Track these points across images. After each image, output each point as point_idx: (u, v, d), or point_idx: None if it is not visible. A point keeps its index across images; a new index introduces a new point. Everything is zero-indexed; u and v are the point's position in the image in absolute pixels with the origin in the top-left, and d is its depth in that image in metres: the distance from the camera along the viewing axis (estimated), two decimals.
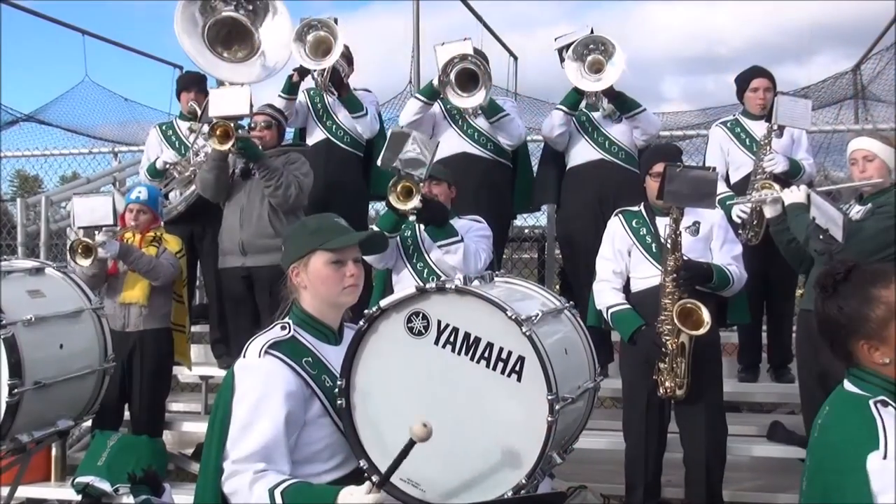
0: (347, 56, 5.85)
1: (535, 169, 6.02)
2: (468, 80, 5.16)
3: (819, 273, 2.25)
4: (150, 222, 5.21)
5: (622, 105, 5.35)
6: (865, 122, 8.13)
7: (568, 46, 5.36)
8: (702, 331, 4.02)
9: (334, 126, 5.90)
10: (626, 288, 4.41)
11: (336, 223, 2.66)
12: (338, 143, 5.88)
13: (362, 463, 2.49)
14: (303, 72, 5.73)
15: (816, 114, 8.30)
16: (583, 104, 5.52)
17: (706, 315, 4.02)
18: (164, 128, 6.20)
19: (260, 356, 2.42)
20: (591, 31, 5.32)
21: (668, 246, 4.11)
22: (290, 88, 5.81)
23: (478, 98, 5.14)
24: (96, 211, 4.76)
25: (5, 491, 3.90)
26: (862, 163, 4.16)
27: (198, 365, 6.43)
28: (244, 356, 2.46)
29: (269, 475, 2.32)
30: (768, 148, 5.01)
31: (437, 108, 5.61)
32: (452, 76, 5.14)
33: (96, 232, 4.81)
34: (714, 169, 4.35)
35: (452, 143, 5.45)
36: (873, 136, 4.41)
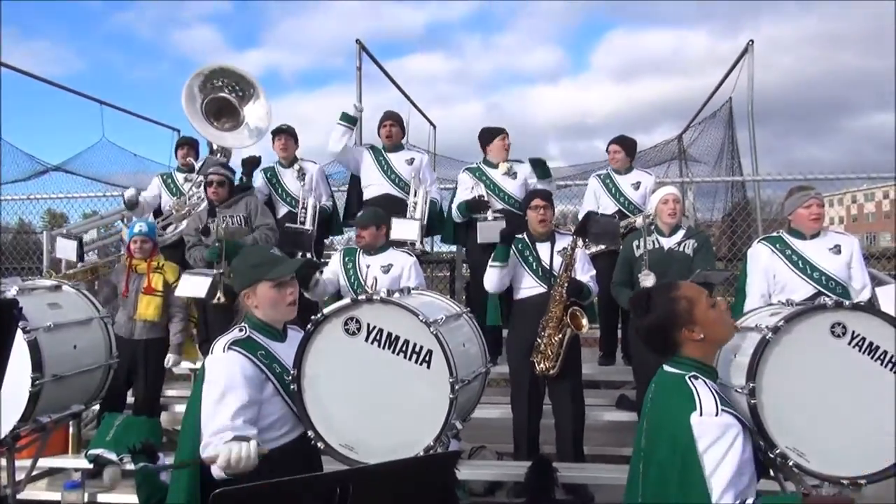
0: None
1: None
2: None
3: (629, 304, 2.32)
4: (153, 250, 4.97)
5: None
6: (685, 177, 8.29)
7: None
8: (583, 330, 4.19)
9: (293, 200, 5.57)
10: (510, 295, 4.46)
11: (273, 255, 2.64)
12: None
13: (310, 433, 2.48)
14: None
15: (653, 169, 8.52)
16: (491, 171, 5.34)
17: (585, 320, 4.19)
18: (164, 177, 6.05)
19: (224, 351, 2.37)
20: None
21: (563, 266, 4.21)
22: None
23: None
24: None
25: (29, 462, 3.72)
26: (673, 204, 4.39)
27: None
28: (212, 352, 2.40)
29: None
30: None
31: (367, 154, 5.57)
32: None
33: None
34: (615, 216, 4.46)
35: (383, 186, 5.46)
36: (674, 186, 4.69)
